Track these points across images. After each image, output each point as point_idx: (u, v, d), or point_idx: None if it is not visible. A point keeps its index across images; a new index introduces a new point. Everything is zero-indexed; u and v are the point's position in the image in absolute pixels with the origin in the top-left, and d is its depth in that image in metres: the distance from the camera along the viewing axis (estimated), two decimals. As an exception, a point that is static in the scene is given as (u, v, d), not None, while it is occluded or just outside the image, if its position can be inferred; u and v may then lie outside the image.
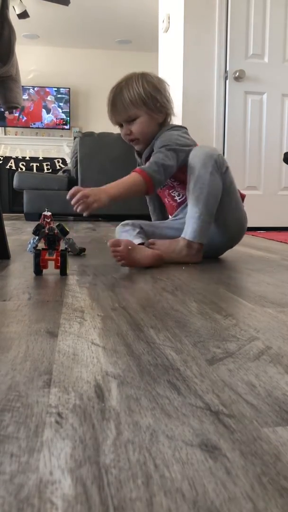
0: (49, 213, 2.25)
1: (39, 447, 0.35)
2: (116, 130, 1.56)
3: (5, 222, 2.66)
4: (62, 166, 6.72)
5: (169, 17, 3.18)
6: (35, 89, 6.80)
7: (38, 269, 1.13)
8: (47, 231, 1.13)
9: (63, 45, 6.73)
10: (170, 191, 1.50)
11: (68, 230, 1.15)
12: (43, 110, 6.88)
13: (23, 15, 4.91)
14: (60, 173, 5.07)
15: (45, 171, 6.71)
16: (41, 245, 1.16)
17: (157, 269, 1.26)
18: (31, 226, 3.31)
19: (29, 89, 6.73)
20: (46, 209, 2.27)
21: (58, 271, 1.14)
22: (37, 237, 1.16)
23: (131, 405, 0.42)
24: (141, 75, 1.41)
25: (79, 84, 6.96)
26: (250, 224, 2.93)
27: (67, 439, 0.36)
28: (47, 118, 6.91)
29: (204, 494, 0.29)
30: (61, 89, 6.86)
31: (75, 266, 1.30)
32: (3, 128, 6.88)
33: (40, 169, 6.75)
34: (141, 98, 1.36)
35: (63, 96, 6.87)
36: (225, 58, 2.90)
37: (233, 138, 2.95)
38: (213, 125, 2.92)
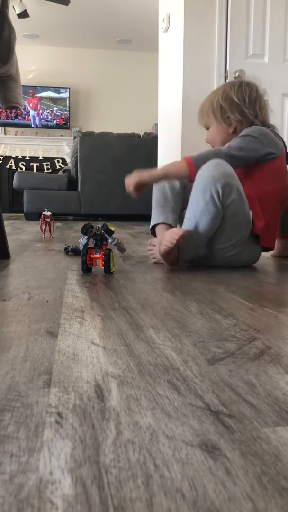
0: (49, 213, 2.25)
1: (39, 447, 0.35)
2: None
3: (5, 222, 2.67)
4: (62, 166, 6.72)
5: (169, 17, 3.18)
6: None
7: (85, 266, 1.19)
8: (94, 231, 1.19)
9: (63, 45, 6.73)
10: None
11: (113, 230, 1.19)
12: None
13: (23, 15, 4.91)
14: (60, 173, 5.07)
15: (45, 171, 6.71)
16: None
17: (157, 269, 1.26)
18: (31, 226, 3.31)
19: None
20: (46, 209, 2.27)
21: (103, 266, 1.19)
22: (86, 236, 1.21)
23: (131, 405, 0.42)
24: (230, 84, 1.44)
25: (79, 84, 6.96)
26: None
27: (67, 439, 0.36)
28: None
29: (204, 494, 0.29)
30: (61, 89, 6.87)
31: (75, 266, 1.30)
32: (3, 128, 6.88)
33: (40, 169, 6.76)
34: (211, 108, 1.43)
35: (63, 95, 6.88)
36: (225, 58, 2.89)
37: (233, 138, 2.95)
38: (213, 125, 2.92)
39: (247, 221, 1.29)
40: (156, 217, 1.44)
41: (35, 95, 6.83)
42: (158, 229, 1.44)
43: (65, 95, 6.87)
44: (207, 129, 1.48)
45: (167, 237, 1.21)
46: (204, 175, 1.23)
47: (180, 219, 1.44)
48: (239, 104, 1.39)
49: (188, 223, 1.27)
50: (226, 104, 1.40)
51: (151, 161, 4.12)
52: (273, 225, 1.37)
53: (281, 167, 1.36)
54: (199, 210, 1.23)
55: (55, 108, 6.90)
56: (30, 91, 6.76)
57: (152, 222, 1.45)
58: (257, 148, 1.31)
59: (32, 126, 6.89)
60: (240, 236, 1.29)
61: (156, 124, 4.41)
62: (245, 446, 0.35)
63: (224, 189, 1.21)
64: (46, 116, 6.90)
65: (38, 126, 6.91)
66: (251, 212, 1.30)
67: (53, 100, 6.88)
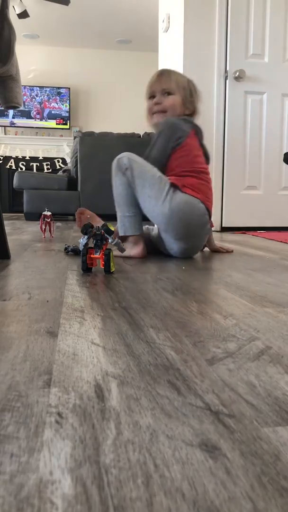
0: (49, 213, 2.25)
1: (39, 447, 0.35)
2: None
3: (5, 222, 2.66)
4: (62, 166, 6.72)
5: (169, 17, 3.18)
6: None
7: (85, 266, 1.18)
8: (94, 231, 1.19)
9: (63, 45, 6.73)
10: None
11: (113, 230, 1.20)
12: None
13: (23, 15, 4.91)
14: (60, 173, 5.07)
15: (45, 171, 6.71)
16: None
17: (157, 269, 1.27)
18: (31, 226, 3.31)
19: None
20: (46, 209, 2.27)
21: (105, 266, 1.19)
22: (86, 236, 1.21)
23: (131, 405, 0.42)
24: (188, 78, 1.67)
25: (79, 84, 6.96)
26: (250, 224, 2.96)
27: (67, 439, 0.36)
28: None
29: (204, 494, 0.29)
30: (61, 89, 6.87)
31: (75, 266, 1.30)
32: (3, 128, 6.88)
33: (40, 169, 6.75)
34: (183, 84, 1.58)
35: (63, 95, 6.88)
36: (225, 58, 2.90)
37: (233, 138, 2.95)
38: (213, 125, 2.92)
39: (157, 177, 1.46)
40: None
41: (45, 105, 6.83)
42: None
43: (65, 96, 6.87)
44: (166, 94, 1.56)
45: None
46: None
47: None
48: (197, 97, 1.62)
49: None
50: (194, 92, 1.60)
51: (151, 161, 4.11)
52: (186, 172, 1.51)
53: (192, 143, 1.54)
54: (113, 186, 1.53)
55: (57, 109, 6.90)
56: (38, 104, 6.75)
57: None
58: (165, 144, 1.51)
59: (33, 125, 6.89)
60: (155, 187, 1.45)
61: (156, 124, 4.40)
62: (245, 446, 0.35)
63: (119, 160, 1.50)
64: (46, 117, 6.91)
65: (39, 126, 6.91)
66: (160, 173, 1.48)
67: (57, 102, 6.88)
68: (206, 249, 1.73)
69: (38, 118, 6.90)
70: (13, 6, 4.83)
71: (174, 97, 1.56)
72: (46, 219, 2.24)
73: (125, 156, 1.50)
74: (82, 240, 1.20)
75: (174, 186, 1.46)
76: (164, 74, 1.60)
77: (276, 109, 3.01)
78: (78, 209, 1.64)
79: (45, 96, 6.86)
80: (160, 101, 1.57)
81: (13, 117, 6.81)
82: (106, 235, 1.19)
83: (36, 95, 6.84)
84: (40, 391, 0.45)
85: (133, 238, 1.51)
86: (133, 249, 1.50)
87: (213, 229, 1.70)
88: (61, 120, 6.94)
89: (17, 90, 1.45)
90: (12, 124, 6.84)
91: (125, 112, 6.89)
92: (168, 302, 0.85)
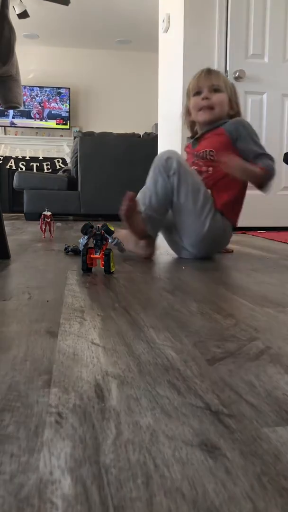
0: (49, 213, 2.25)
1: (39, 447, 0.35)
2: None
3: (5, 222, 2.66)
4: (62, 166, 6.72)
5: (169, 17, 3.18)
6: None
7: (85, 266, 1.18)
8: (94, 231, 1.19)
9: (63, 45, 6.72)
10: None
11: (113, 230, 1.20)
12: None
13: (23, 15, 4.91)
14: (60, 173, 5.07)
15: (45, 171, 6.70)
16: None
17: (157, 269, 1.27)
18: (31, 226, 3.31)
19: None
20: (46, 209, 2.27)
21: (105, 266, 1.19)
22: (86, 236, 1.21)
23: (131, 405, 0.42)
24: None
25: (79, 84, 6.95)
26: (250, 224, 2.97)
27: (67, 439, 0.36)
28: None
29: (204, 494, 0.29)
30: (61, 89, 6.87)
31: (75, 266, 1.30)
32: (3, 128, 6.88)
33: (40, 169, 6.75)
34: (229, 83, 1.60)
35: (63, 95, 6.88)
36: (225, 58, 2.89)
37: (233, 138, 2.95)
38: (213, 125, 2.92)
39: (202, 192, 1.43)
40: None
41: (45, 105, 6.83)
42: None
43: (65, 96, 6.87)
44: (214, 91, 1.54)
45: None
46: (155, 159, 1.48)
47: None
48: (238, 98, 1.64)
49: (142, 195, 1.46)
50: (237, 93, 1.62)
51: (151, 161, 4.11)
52: (234, 201, 1.54)
53: None
54: (151, 182, 1.44)
55: (57, 109, 6.90)
56: (38, 105, 6.76)
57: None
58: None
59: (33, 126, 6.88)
60: (198, 202, 1.42)
61: (156, 124, 4.41)
62: (245, 446, 0.35)
63: (167, 161, 1.42)
64: (46, 117, 6.91)
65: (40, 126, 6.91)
66: (204, 188, 1.45)
67: (57, 102, 6.88)
68: None
69: (38, 118, 6.90)
70: (13, 6, 4.83)
71: (222, 95, 1.55)
72: (46, 219, 2.24)
73: (175, 158, 1.42)
74: (82, 240, 1.20)
75: (217, 209, 1.46)
76: (213, 72, 1.59)
77: (276, 109, 3.01)
78: (128, 194, 1.38)
79: (45, 96, 6.86)
80: (209, 97, 1.54)
81: (13, 117, 6.82)
82: (106, 235, 1.19)
83: (36, 95, 6.85)
84: (40, 391, 0.45)
85: (150, 239, 1.48)
86: (145, 249, 1.47)
87: None
88: (61, 120, 6.94)
89: (17, 90, 1.45)
90: (12, 124, 6.84)
91: (125, 112, 6.89)
92: (168, 302, 0.85)
